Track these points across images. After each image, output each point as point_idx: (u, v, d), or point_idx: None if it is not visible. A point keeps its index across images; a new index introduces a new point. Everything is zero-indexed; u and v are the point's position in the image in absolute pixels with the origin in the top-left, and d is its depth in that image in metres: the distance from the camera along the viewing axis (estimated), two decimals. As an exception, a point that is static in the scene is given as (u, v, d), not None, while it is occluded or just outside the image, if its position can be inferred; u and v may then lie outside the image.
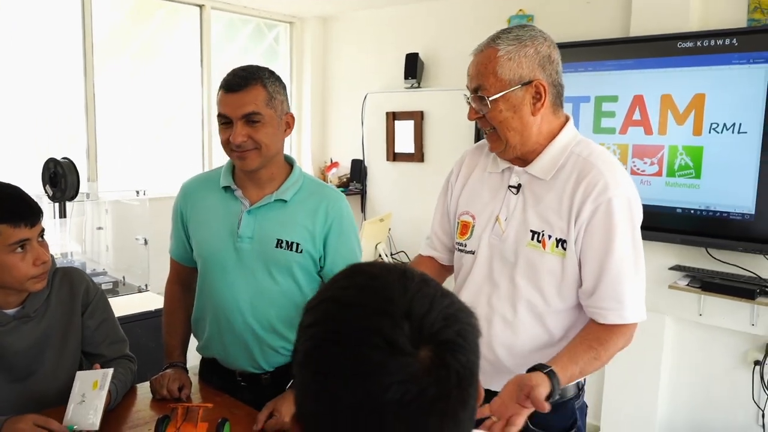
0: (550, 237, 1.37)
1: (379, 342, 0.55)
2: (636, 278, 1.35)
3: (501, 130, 1.38)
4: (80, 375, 1.50)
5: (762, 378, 2.84)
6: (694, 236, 2.90)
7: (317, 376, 0.58)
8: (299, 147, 4.76)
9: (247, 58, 4.49)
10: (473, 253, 1.49)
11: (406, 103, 4.17)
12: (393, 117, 4.21)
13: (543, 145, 1.41)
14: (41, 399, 1.56)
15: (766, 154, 2.69)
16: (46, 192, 3.04)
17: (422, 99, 4.09)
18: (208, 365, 1.77)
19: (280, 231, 1.64)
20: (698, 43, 2.86)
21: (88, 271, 3.19)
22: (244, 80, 1.56)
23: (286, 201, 1.66)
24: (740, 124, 2.76)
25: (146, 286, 3.37)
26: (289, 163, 1.74)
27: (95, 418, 1.39)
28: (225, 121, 1.59)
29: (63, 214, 3.12)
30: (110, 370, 1.49)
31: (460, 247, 1.53)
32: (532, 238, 1.39)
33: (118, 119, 3.82)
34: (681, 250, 2.98)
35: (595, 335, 1.36)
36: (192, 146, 4.24)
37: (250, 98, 1.56)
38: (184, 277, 1.84)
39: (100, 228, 3.59)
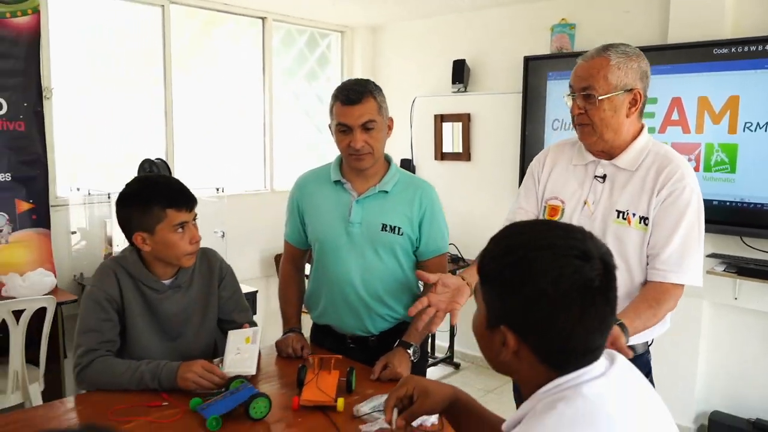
0: (634, 215, 1.68)
1: (578, 253, 0.91)
2: (697, 250, 1.64)
3: (600, 125, 1.67)
4: (232, 333, 1.81)
5: (794, 355, 3.10)
6: (730, 226, 3.16)
7: (537, 280, 0.90)
8: (350, 148, 5.08)
9: (303, 64, 4.84)
10: None
11: (453, 106, 4.47)
12: (441, 119, 4.51)
13: (627, 142, 1.72)
14: (187, 356, 1.88)
15: (796, 150, 2.95)
16: (141, 189, 3.39)
17: (469, 102, 4.39)
18: (321, 331, 2.10)
19: (384, 217, 1.96)
20: (733, 50, 3.13)
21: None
22: (360, 94, 1.88)
23: (387, 192, 1.98)
24: (772, 123, 3.02)
25: (224, 274, 3.71)
26: (387, 160, 2.06)
27: (252, 365, 1.71)
28: (344, 129, 1.91)
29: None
30: (259, 328, 1.82)
31: None
32: (618, 217, 1.69)
33: (188, 123, 4.18)
34: (717, 239, 3.25)
35: (653, 295, 1.64)
36: (254, 146, 4.58)
37: (366, 109, 1.88)
38: (297, 258, 2.17)
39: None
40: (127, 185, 1.85)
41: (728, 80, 3.15)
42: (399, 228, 1.95)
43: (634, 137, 1.74)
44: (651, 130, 3.36)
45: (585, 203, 1.78)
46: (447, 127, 4.50)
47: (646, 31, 3.57)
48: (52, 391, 3.16)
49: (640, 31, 3.59)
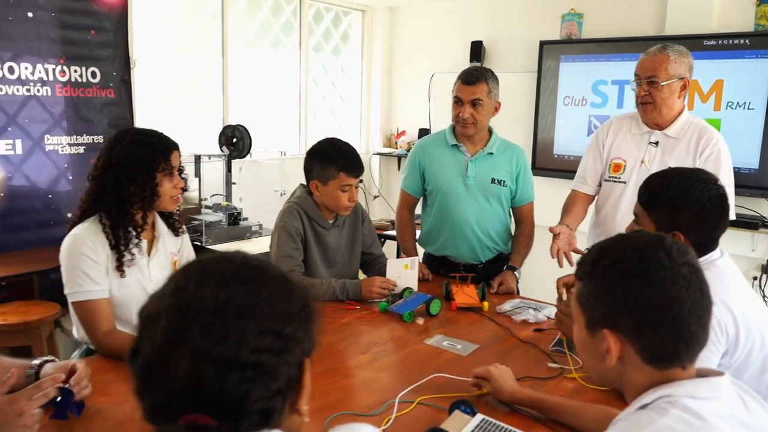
0: None
1: (713, 182, 1.54)
2: (731, 193, 2.28)
3: (660, 104, 2.29)
4: (391, 262, 2.36)
5: (761, 289, 3.92)
6: (712, 186, 3.92)
7: (699, 199, 1.52)
8: (368, 118, 5.59)
9: (329, 40, 5.30)
10: (625, 183, 2.42)
11: (470, 82, 5.05)
12: (458, 93, 5.09)
13: (675, 117, 2.35)
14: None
15: (768, 125, 3.72)
16: (222, 151, 3.84)
17: (485, 78, 4.98)
18: (436, 261, 2.69)
19: (492, 172, 2.56)
20: (719, 42, 3.85)
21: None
22: (476, 78, 2.46)
23: (493, 153, 2.58)
24: (749, 103, 3.78)
25: (284, 228, 4.20)
26: (489, 130, 2.64)
27: (415, 283, 2.30)
28: (458, 101, 2.49)
29: (229, 168, 3.93)
30: (416, 258, 2.39)
31: (614, 180, 2.46)
32: None
33: (239, 92, 4.61)
34: (701, 196, 4.00)
35: None
36: (291, 113, 5.05)
37: (477, 90, 2.46)
38: (412, 205, 2.76)
39: (233, 183, 4.40)
40: (319, 142, 2.36)
41: (715, 67, 3.88)
42: (504, 181, 2.56)
43: (679, 113, 2.39)
44: (651, 107, 4.10)
45: (642, 162, 2.42)
46: (463, 100, 5.09)
47: (646, 23, 4.25)
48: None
49: (640, 22, 4.26)
